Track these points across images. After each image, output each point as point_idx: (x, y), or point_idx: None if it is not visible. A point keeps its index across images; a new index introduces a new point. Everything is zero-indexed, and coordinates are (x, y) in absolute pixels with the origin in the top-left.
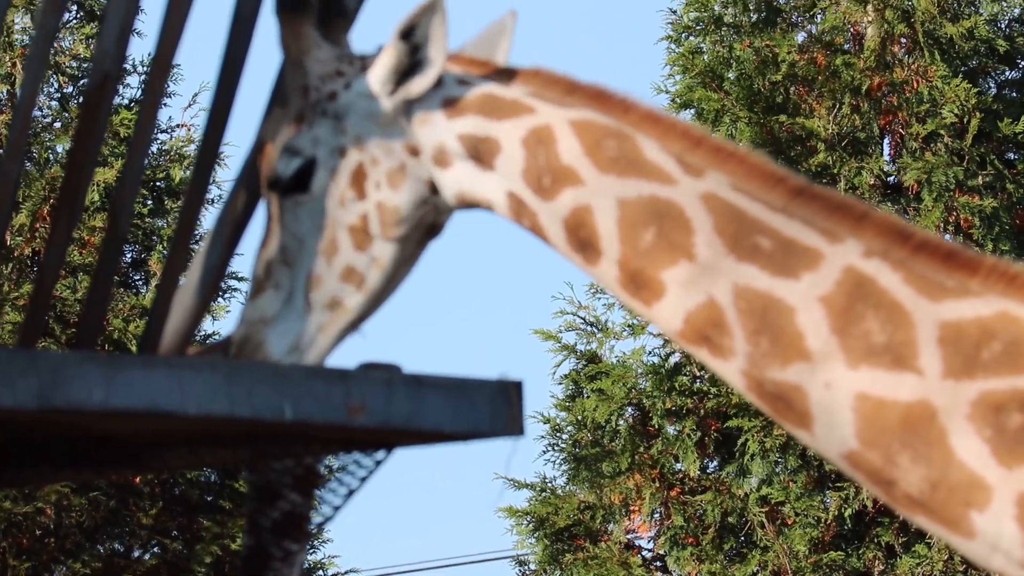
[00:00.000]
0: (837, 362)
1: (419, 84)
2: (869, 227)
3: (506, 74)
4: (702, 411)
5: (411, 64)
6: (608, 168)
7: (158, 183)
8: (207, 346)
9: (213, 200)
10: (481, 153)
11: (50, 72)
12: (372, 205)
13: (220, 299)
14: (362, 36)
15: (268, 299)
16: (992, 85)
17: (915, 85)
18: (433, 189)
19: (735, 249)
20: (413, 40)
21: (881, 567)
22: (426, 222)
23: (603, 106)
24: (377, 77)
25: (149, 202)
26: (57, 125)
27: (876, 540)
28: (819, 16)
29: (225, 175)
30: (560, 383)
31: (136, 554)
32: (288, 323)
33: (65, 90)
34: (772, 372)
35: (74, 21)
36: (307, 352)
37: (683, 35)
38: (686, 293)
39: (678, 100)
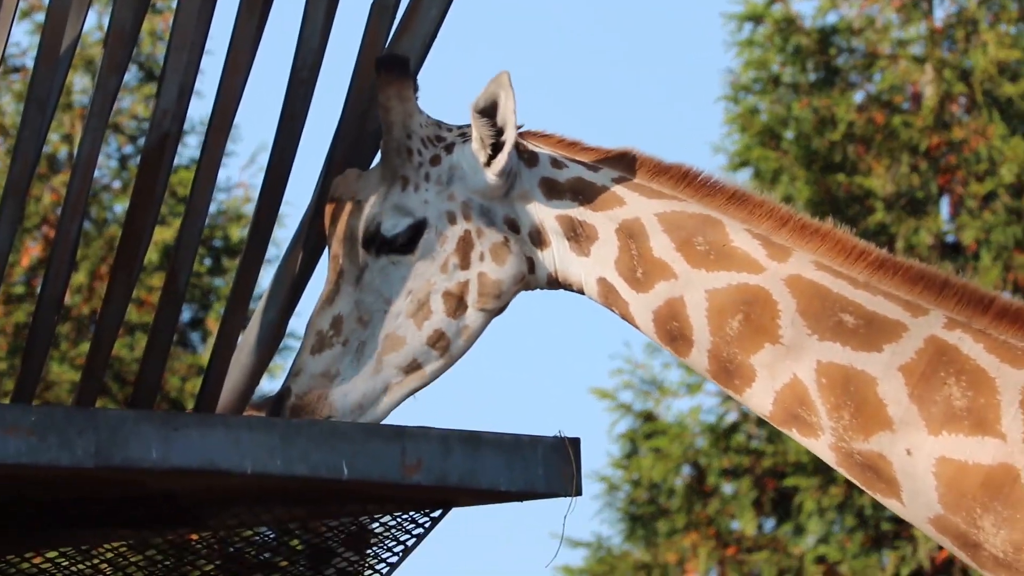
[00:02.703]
0: (917, 428)
1: (497, 164)
2: (951, 297)
3: (596, 156)
4: (759, 470)
5: (494, 136)
6: (699, 263)
7: (216, 242)
8: (258, 402)
9: (271, 260)
10: (579, 236)
11: (109, 132)
12: (474, 275)
13: (278, 358)
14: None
15: (335, 355)
16: None
17: (973, 144)
18: (531, 267)
19: (817, 328)
20: (490, 115)
21: None
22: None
23: (689, 188)
24: (473, 148)
25: (207, 261)
26: (116, 185)
27: None
28: (877, 76)
29: (283, 235)
30: (616, 442)
31: None
32: (354, 382)
33: (124, 150)
34: (857, 444)
35: (134, 82)
36: (368, 412)
37: (741, 95)
38: (772, 375)
39: (736, 159)
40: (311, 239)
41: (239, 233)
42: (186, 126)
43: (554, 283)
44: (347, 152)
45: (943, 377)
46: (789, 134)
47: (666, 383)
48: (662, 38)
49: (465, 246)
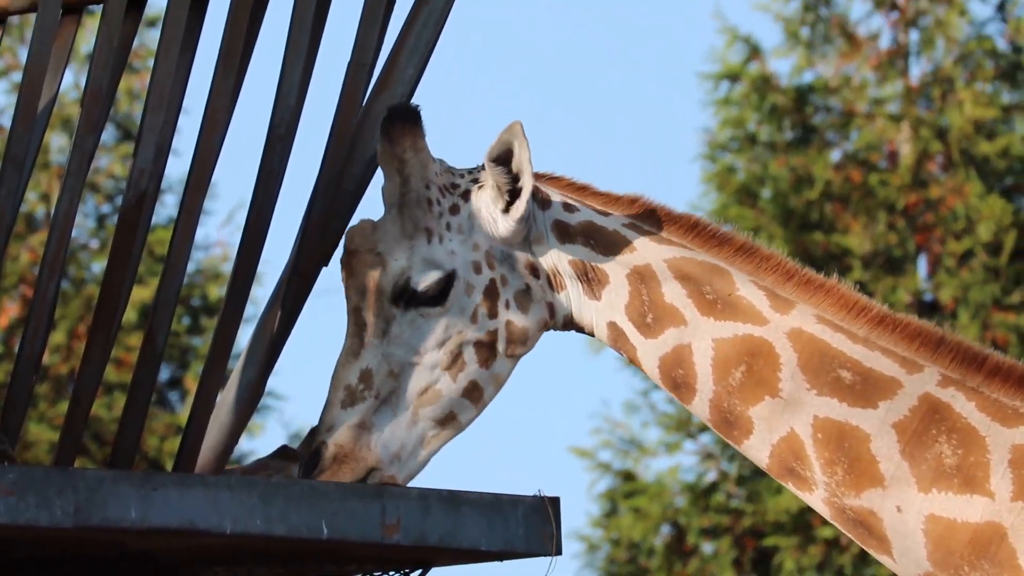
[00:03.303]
0: (908, 485)
1: (516, 211)
2: (946, 354)
3: (606, 201)
4: (738, 529)
5: (511, 183)
6: (707, 311)
7: (194, 301)
8: (250, 465)
9: (249, 318)
10: (590, 280)
11: (87, 191)
12: (502, 323)
13: (256, 417)
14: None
15: (368, 408)
16: None
17: (950, 203)
18: (551, 312)
19: (816, 383)
20: (504, 163)
21: None
22: None
23: (698, 239)
24: (489, 196)
25: (186, 320)
26: (94, 244)
27: None
28: (854, 134)
29: (261, 293)
30: (596, 501)
31: None
32: (391, 433)
33: (102, 209)
34: (849, 500)
35: (111, 141)
36: (407, 463)
37: (718, 153)
38: (770, 428)
39: (713, 218)
40: (289, 298)
41: (217, 292)
42: (164, 185)
43: (569, 324)
44: (325, 210)
45: (935, 435)
46: (766, 192)
47: (645, 442)
48: (639, 97)
49: (492, 295)
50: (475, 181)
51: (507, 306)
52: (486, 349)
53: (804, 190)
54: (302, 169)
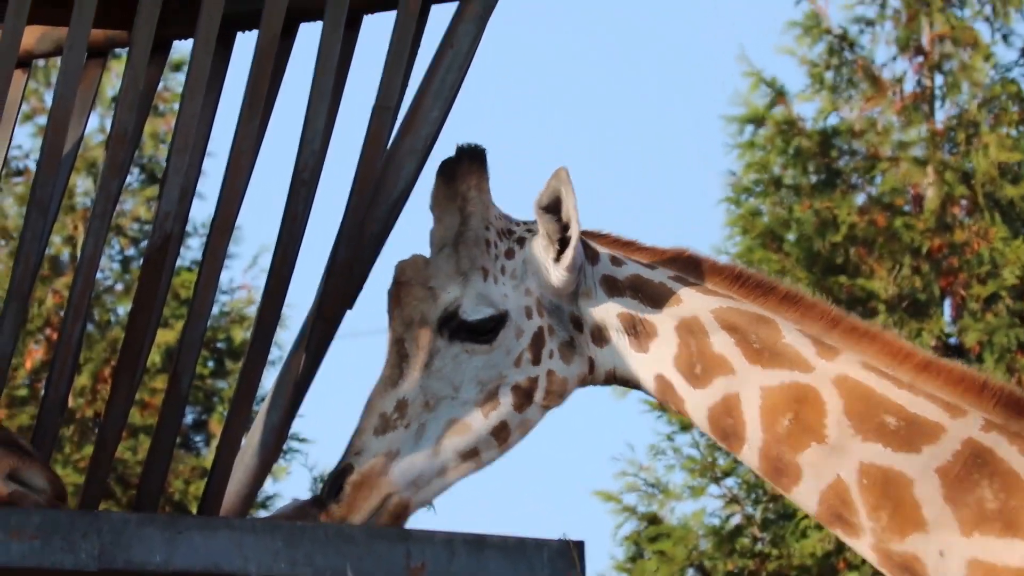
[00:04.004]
0: (951, 530)
1: (566, 259)
2: (988, 399)
3: (652, 255)
4: (763, 573)
5: (560, 231)
6: (755, 359)
7: (219, 344)
8: (289, 510)
9: (274, 362)
10: (638, 332)
11: (112, 234)
12: (544, 372)
13: (281, 460)
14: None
15: (399, 436)
16: None
17: (975, 246)
18: (591, 367)
19: (861, 429)
20: (554, 211)
21: None
22: None
23: (742, 289)
24: (542, 245)
25: (210, 363)
26: (118, 287)
27: None
28: (878, 178)
29: (286, 336)
30: (621, 544)
31: None
32: (413, 460)
33: (127, 252)
34: (894, 544)
35: (136, 184)
36: (422, 491)
37: (742, 196)
38: (817, 475)
39: (738, 261)
40: (314, 341)
41: (242, 335)
42: (188, 228)
43: (611, 379)
44: (350, 253)
45: (976, 479)
46: (791, 236)
47: (670, 486)
48: (663, 141)
49: (538, 342)
50: (530, 231)
51: (551, 355)
52: (523, 394)
53: (829, 233)
54: (327, 212)
